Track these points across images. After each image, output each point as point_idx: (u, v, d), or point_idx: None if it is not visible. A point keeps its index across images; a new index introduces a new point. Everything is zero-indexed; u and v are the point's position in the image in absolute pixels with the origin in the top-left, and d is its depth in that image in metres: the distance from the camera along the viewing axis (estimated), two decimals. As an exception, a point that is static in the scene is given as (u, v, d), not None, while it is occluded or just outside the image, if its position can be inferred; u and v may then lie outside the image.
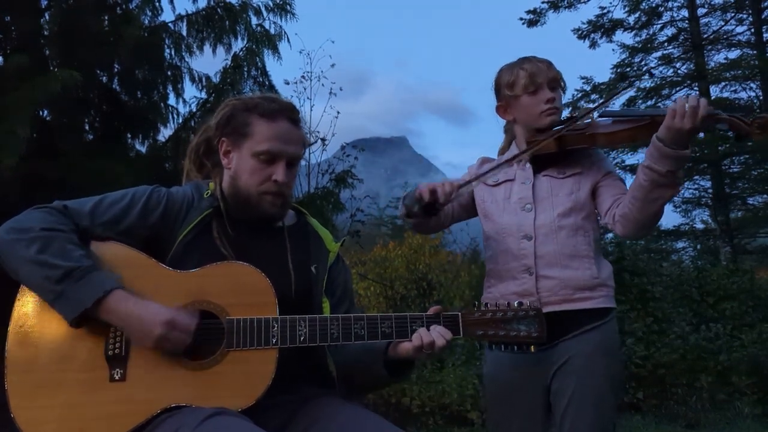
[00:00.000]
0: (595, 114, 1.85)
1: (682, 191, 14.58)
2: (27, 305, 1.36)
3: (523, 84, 1.84)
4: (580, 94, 14.51)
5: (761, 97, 13.55)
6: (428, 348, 1.38)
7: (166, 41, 5.34)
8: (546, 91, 1.84)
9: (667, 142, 1.57)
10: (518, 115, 1.90)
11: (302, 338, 1.37)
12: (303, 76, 6.24)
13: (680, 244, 15.25)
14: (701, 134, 13.03)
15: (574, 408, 1.74)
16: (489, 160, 2.02)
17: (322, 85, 6.28)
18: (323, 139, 6.07)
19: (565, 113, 1.95)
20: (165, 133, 5.33)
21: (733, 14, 14.07)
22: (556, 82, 1.87)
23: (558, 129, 1.81)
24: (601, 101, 1.90)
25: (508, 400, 1.83)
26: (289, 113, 1.55)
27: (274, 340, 1.36)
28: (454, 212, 1.98)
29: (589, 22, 14.80)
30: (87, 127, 5.09)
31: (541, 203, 1.83)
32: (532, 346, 1.43)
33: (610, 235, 7.24)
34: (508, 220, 1.86)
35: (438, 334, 1.39)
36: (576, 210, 1.82)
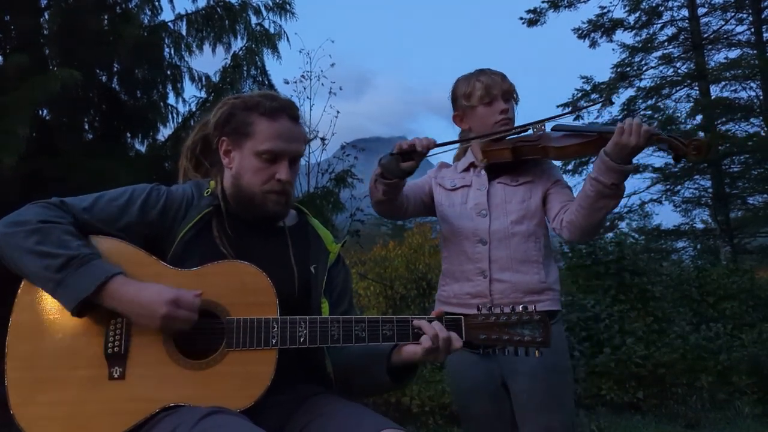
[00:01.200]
0: (548, 127, 1.95)
1: (683, 191, 14.59)
2: (27, 302, 1.36)
3: (479, 95, 1.96)
4: (580, 94, 14.51)
5: (761, 97, 13.55)
6: (436, 341, 1.36)
7: (166, 41, 5.33)
8: (500, 103, 1.96)
9: (614, 156, 1.70)
10: (473, 124, 2.00)
11: (302, 339, 1.37)
12: (303, 76, 6.23)
13: (680, 244, 15.26)
14: (701, 134, 13.06)
15: (531, 408, 1.84)
16: (446, 165, 2.14)
17: (322, 84, 6.26)
18: (323, 139, 6.07)
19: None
20: (165, 132, 5.33)
21: (733, 14, 14.07)
22: (509, 94, 1.99)
23: (512, 137, 1.94)
24: (553, 116, 2.00)
25: (475, 400, 1.92)
26: (290, 111, 1.55)
27: (274, 341, 1.36)
28: (416, 205, 2.04)
29: (589, 21, 14.80)
30: (87, 127, 5.08)
31: (495, 209, 1.94)
32: (537, 351, 1.42)
33: (610, 235, 7.25)
34: (464, 225, 1.95)
35: (440, 327, 1.39)
36: (528, 217, 1.93)
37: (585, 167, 13.84)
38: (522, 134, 1.93)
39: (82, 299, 1.28)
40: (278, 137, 1.50)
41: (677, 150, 1.74)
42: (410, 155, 1.76)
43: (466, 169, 2.04)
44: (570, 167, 13.80)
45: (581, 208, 1.78)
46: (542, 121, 1.95)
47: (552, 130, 1.95)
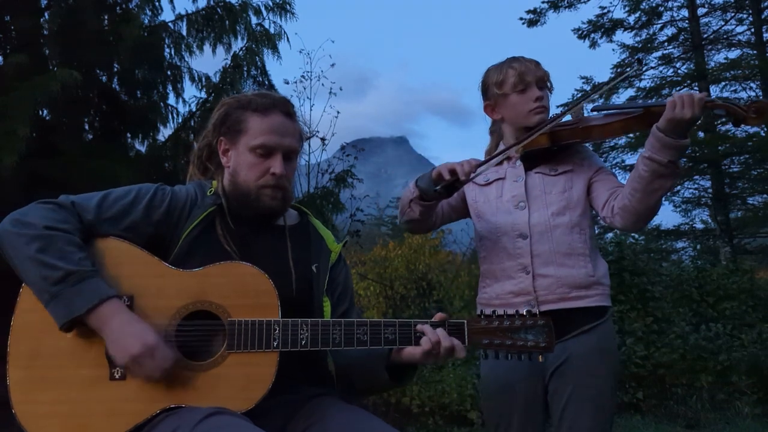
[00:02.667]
0: (587, 110, 1.86)
1: (683, 191, 14.58)
2: (30, 300, 1.35)
3: (512, 82, 1.87)
4: (580, 94, 14.51)
5: (761, 97, 13.54)
6: (436, 348, 1.36)
7: (166, 41, 5.34)
8: (534, 90, 1.86)
9: (668, 132, 1.60)
10: (506, 113, 1.91)
11: (304, 342, 1.37)
12: (303, 76, 6.23)
13: (680, 244, 15.26)
14: (701, 134, 13.07)
15: (573, 409, 1.74)
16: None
17: (322, 84, 6.26)
18: (323, 139, 6.07)
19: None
20: (165, 132, 5.34)
21: (733, 14, 14.07)
22: (543, 82, 1.90)
23: (550, 120, 1.83)
24: (588, 93, 1.91)
25: (507, 401, 1.82)
26: (283, 107, 1.56)
27: (275, 343, 1.36)
28: (444, 213, 1.98)
29: (589, 21, 14.80)
30: (87, 127, 5.09)
31: (534, 201, 1.84)
32: (540, 356, 1.39)
33: (610, 235, 7.25)
34: (501, 219, 1.86)
35: (443, 334, 1.38)
36: (570, 208, 1.83)
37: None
38: (559, 119, 1.82)
39: (72, 318, 1.28)
40: (271, 131, 1.51)
41: (736, 114, 1.65)
42: (453, 185, 1.70)
43: (500, 162, 1.92)
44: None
45: (635, 191, 1.66)
46: (578, 102, 1.85)
47: (592, 111, 1.86)
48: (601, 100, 1.94)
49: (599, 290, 1.80)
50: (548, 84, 1.92)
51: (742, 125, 1.69)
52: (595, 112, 1.85)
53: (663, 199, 1.70)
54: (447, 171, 1.70)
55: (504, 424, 1.84)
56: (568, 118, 1.85)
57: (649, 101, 1.79)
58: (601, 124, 1.77)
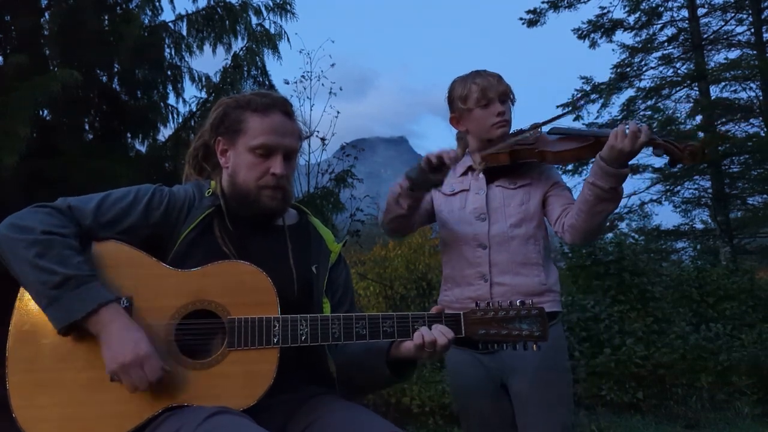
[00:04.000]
0: (544, 129, 1.95)
1: (683, 191, 14.58)
2: (28, 305, 1.36)
3: (475, 98, 1.96)
4: (579, 94, 14.51)
5: (761, 97, 13.54)
6: (430, 346, 1.37)
7: (166, 41, 5.34)
8: (497, 105, 1.95)
9: (609, 161, 1.70)
10: (470, 126, 2.01)
11: (303, 338, 1.37)
12: (303, 76, 6.23)
13: (680, 244, 15.25)
14: (701, 134, 13.05)
15: (531, 410, 1.83)
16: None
17: (322, 84, 6.26)
18: (323, 139, 6.07)
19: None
20: (165, 132, 5.35)
21: (733, 14, 14.06)
22: (506, 96, 1.98)
23: (511, 135, 1.94)
24: (548, 119, 1.99)
25: (474, 399, 1.92)
26: (282, 106, 1.55)
27: (275, 340, 1.36)
28: (421, 216, 2.04)
29: (589, 22, 14.79)
30: (87, 127, 5.09)
31: (494, 213, 1.94)
32: (535, 345, 1.44)
33: (610, 235, 7.25)
34: (463, 230, 1.96)
35: (440, 333, 1.39)
36: (527, 220, 1.93)
37: (585, 168, 13.81)
38: (519, 137, 1.93)
39: (71, 322, 1.28)
40: (271, 131, 1.51)
41: (672, 154, 1.76)
42: (439, 168, 1.75)
43: (464, 173, 2.04)
44: (570, 167, 13.78)
45: (581, 212, 1.79)
46: (539, 125, 1.95)
47: (549, 133, 1.96)
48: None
49: (551, 297, 1.90)
50: (511, 97, 2.01)
51: (677, 164, 1.80)
52: (551, 135, 1.95)
53: (607, 218, 1.83)
54: (434, 157, 1.76)
55: (475, 422, 1.93)
56: (527, 135, 1.95)
57: (603, 130, 1.87)
58: (555, 151, 1.89)
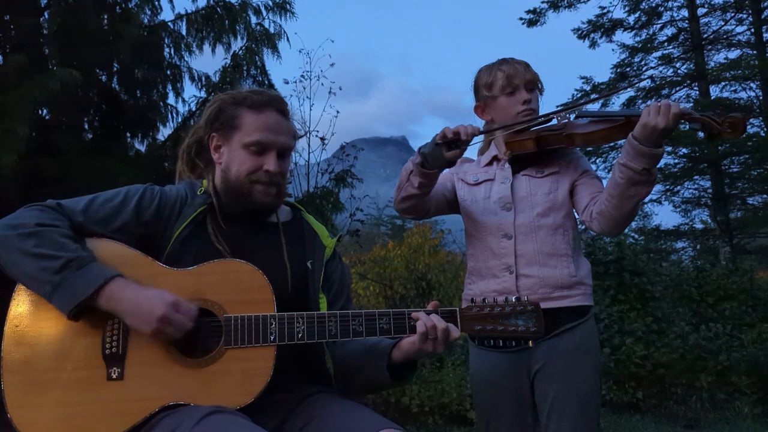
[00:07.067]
0: (572, 115, 1.87)
1: (682, 191, 14.58)
2: (23, 305, 1.36)
3: (500, 85, 1.89)
4: (580, 94, 14.50)
5: (761, 97, 13.54)
6: (432, 332, 1.37)
7: (166, 40, 5.34)
8: (523, 93, 1.88)
9: (642, 140, 1.60)
10: (496, 115, 1.93)
11: (300, 335, 1.37)
12: (302, 76, 6.23)
13: (680, 244, 15.24)
14: (700, 134, 13.02)
15: (558, 408, 1.76)
16: (469, 160, 2.05)
17: (322, 84, 6.26)
18: (323, 139, 6.06)
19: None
20: (164, 132, 5.35)
21: (733, 14, 14.06)
22: (533, 84, 1.91)
23: (536, 127, 1.85)
24: (575, 103, 1.92)
25: (495, 399, 1.85)
26: (277, 104, 1.55)
27: (272, 338, 1.36)
28: (439, 203, 1.97)
29: (589, 21, 14.80)
30: (86, 126, 5.09)
31: (520, 203, 1.86)
32: (530, 341, 1.44)
33: (610, 235, 7.23)
34: (488, 220, 1.88)
35: (437, 318, 1.39)
36: (554, 209, 1.85)
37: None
38: (546, 125, 1.85)
39: (80, 301, 1.28)
40: (265, 129, 1.51)
41: (711, 128, 1.64)
42: (455, 143, 1.69)
43: (489, 163, 1.96)
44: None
45: (611, 197, 1.69)
46: (566, 110, 1.87)
47: (576, 117, 1.87)
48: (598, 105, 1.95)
49: (581, 290, 1.82)
50: (538, 86, 1.93)
51: (717, 139, 1.69)
52: (579, 119, 1.86)
53: (639, 204, 1.71)
54: (450, 131, 1.70)
55: (494, 420, 1.86)
56: (554, 122, 1.86)
57: (633, 109, 1.80)
58: (583, 132, 1.79)
